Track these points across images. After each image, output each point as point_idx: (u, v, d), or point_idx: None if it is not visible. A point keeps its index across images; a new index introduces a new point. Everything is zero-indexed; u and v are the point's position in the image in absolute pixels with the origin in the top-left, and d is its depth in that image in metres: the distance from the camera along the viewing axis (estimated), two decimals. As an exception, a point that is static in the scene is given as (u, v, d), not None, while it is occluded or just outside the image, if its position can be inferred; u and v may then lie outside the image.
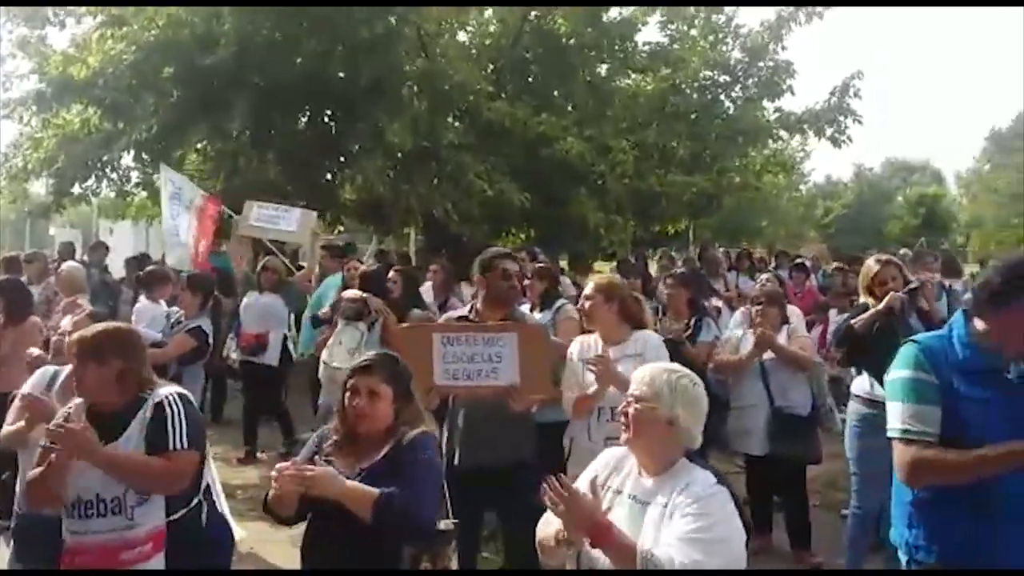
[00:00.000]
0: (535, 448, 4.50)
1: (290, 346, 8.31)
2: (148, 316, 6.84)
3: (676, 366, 2.84)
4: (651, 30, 14.67)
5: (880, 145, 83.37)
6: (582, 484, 2.72)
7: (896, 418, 2.84)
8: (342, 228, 16.63)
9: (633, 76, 15.07)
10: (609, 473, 2.82)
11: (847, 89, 13.83)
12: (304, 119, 13.55)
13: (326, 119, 13.60)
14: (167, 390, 3.28)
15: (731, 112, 14.51)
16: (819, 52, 39.95)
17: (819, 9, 13.72)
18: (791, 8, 13.82)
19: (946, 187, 61.75)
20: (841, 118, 13.79)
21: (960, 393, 2.72)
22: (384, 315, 6.19)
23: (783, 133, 14.34)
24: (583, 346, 4.58)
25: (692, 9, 14.68)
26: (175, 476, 3.14)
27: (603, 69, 14.87)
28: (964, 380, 2.74)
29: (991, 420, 2.66)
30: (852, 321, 5.26)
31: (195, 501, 3.27)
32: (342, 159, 13.41)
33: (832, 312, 7.99)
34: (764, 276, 7.39)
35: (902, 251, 11.49)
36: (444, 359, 4.22)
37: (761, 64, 14.18)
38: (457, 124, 13.14)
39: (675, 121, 13.94)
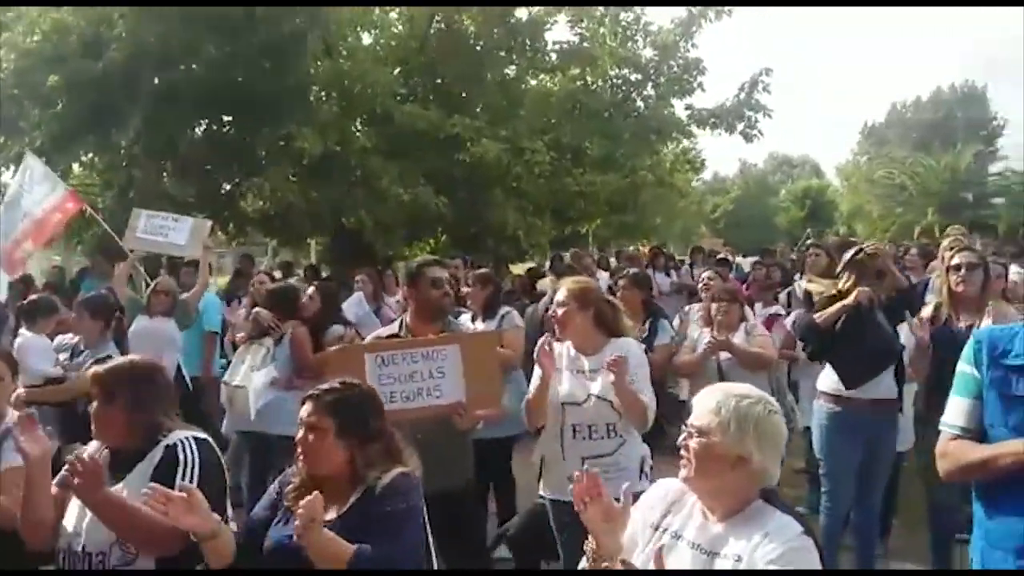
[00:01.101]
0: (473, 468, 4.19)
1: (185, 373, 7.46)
2: (36, 351, 6.03)
3: (746, 389, 2.36)
4: (560, 29, 14.49)
5: (762, 141, 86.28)
6: (636, 523, 2.37)
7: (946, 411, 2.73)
8: (243, 240, 15.79)
9: (543, 76, 14.85)
10: (665, 511, 2.38)
11: (755, 84, 13.98)
12: (203, 126, 12.76)
13: (227, 126, 12.85)
14: (184, 434, 2.80)
15: (643, 111, 14.42)
16: (726, 49, 40.96)
17: (728, 9, 13.82)
18: (701, 6, 13.88)
19: (826, 180, 64.46)
20: (751, 113, 13.91)
21: (1000, 387, 2.53)
22: (289, 330, 5.68)
23: (696, 130, 14.36)
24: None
25: (600, 8, 14.56)
26: (168, 535, 2.53)
27: (513, 70, 14.57)
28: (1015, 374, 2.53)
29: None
30: (816, 316, 5.07)
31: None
32: (245, 167, 12.67)
33: (758, 306, 7.87)
34: (706, 273, 7.16)
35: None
36: (379, 381, 3.74)
37: (672, 62, 14.16)
38: (368, 128, 12.62)
39: (588, 120, 13.77)
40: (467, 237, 13.63)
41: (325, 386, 2.78)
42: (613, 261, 13.40)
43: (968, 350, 2.67)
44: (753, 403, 2.27)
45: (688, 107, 14.39)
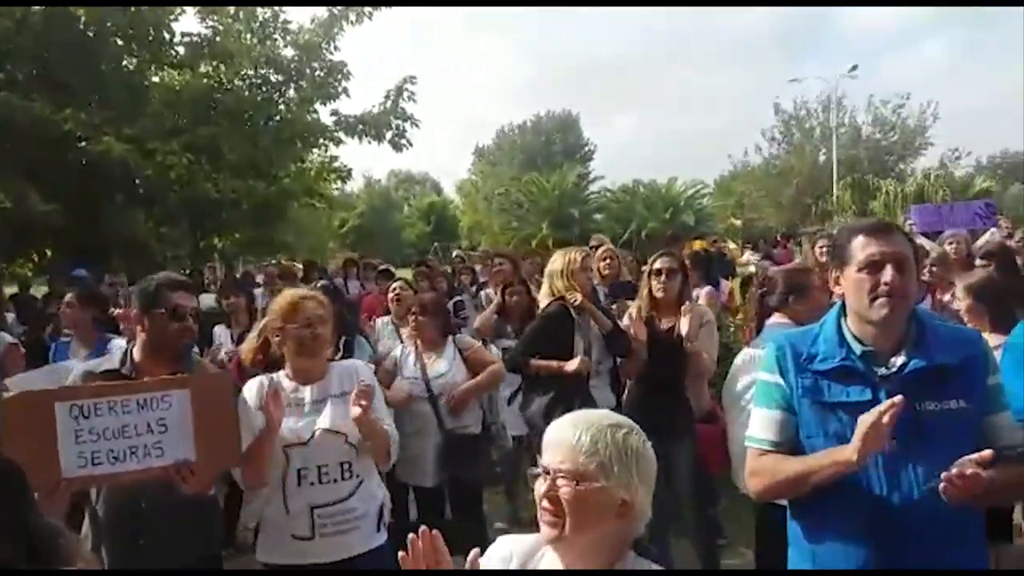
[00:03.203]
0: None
1: None
2: None
3: (612, 416, 1.85)
4: (189, 21, 13.10)
5: (383, 158, 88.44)
6: None
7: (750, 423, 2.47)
8: None
9: (170, 71, 13.30)
10: None
11: (400, 92, 13.78)
12: None
13: None
14: None
15: (286, 114, 13.51)
16: (373, 56, 40.63)
17: (368, 9, 13.44)
18: (340, 7, 13.35)
19: (447, 196, 67.72)
20: (398, 122, 13.68)
21: (813, 395, 2.31)
22: None
23: (343, 137, 13.73)
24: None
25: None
26: None
27: (134, 62, 12.83)
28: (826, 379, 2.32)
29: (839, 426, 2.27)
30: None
31: None
32: None
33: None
34: (396, 283, 6.65)
35: None
36: (76, 438, 2.68)
37: (316, 64, 13.43)
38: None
39: (226, 121, 12.56)
40: (88, 249, 11.56)
41: None
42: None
43: (769, 357, 2.42)
44: (628, 433, 1.77)
45: (334, 113, 13.76)
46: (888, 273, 2.20)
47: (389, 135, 13.66)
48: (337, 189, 17.37)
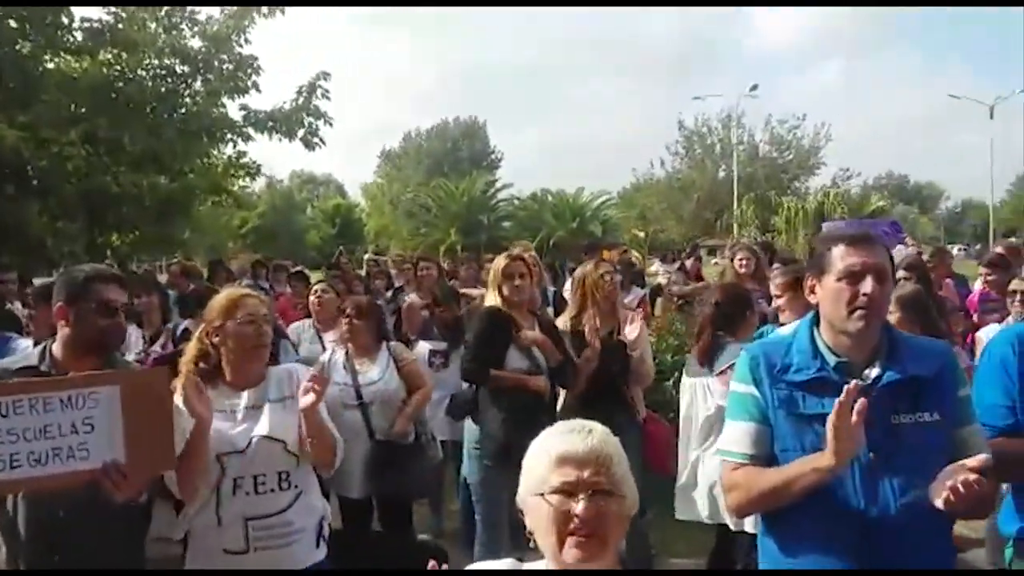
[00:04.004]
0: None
1: None
2: None
3: (598, 423, 1.74)
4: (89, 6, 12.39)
5: (284, 158, 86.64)
6: None
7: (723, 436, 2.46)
8: None
9: (67, 57, 12.56)
10: None
11: (314, 89, 13.40)
12: None
13: None
14: None
15: (192, 107, 12.93)
16: (286, 51, 39.53)
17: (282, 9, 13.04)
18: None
19: (351, 199, 66.75)
20: (311, 119, 13.30)
21: (788, 407, 2.27)
22: None
23: (252, 132, 13.24)
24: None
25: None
26: None
27: (27, 46, 12.05)
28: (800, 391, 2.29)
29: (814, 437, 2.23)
30: None
31: None
32: None
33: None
34: (318, 286, 6.41)
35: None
36: None
37: (225, 56, 12.91)
38: None
39: (128, 112, 11.94)
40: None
41: None
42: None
43: (742, 367, 2.38)
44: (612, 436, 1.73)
45: (243, 108, 13.26)
46: (868, 284, 2.18)
47: (301, 132, 13.26)
48: (245, 186, 16.77)
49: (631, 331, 4.52)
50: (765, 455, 2.28)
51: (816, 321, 2.33)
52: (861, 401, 2.02)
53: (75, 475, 2.54)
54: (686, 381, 4.51)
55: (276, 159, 57.40)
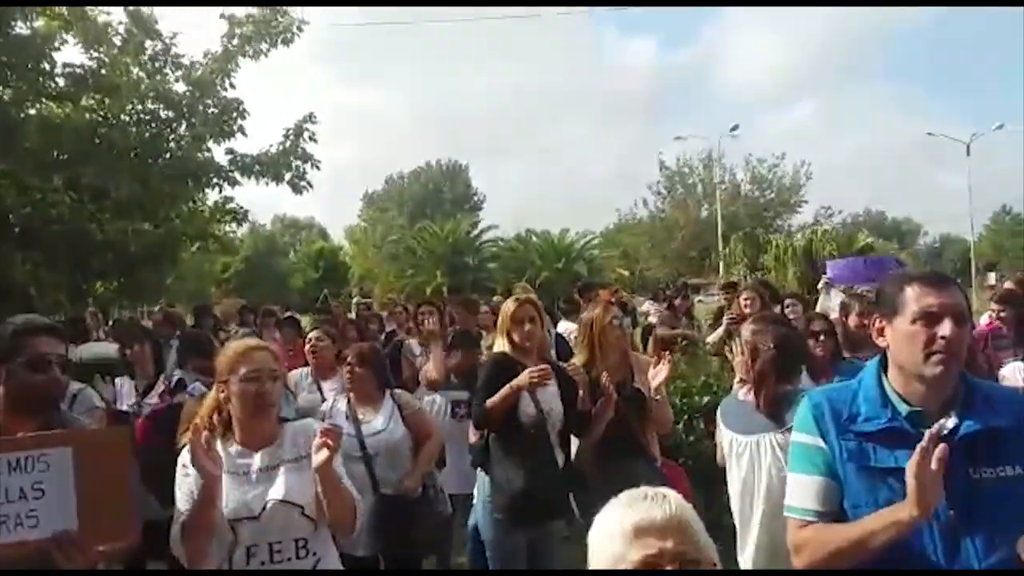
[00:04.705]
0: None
1: None
2: None
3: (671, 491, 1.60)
4: (71, 51, 12.24)
5: (266, 202, 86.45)
6: None
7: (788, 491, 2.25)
8: None
9: (48, 103, 12.39)
10: None
11: (300, 132, 13.27)
12: None
13: None
14: None
15: (177, 152, 12.75)
16: (272, 94, 39.49)
17: (264, 47, 12.95)
18: (236, 41, 12.80)
19: (335, 242, 66.50)
20: (298, 163, 13.15)
21: (859, 460, 2.10)
22: None
23: (239, 177, 13.05)
24: None
25: (118, 33, 12.60)
26: None
27: (8, 92, 11.87)
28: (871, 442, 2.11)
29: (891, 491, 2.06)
30: None
31: None
32: None
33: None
34: (312, 334, 6.14)
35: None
36: None
37: (209, 100, 12.78)
38: None
39: (113, 159, 11.74)
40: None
41: None
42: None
43: (806, 416, 2.19)
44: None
45: (229, 151, 13.09)
46: (947, 327, 2.00)
47: (288, 176, 13.10)
48: (232, 232, 16.53)
49: (657, 375, 4.31)
50: (834, 512, 2.10)
51: (884, 367, 2.16)
52: (942, 447, 1.86)
53: (23, 546, 2.32)
54: (739, 438, 3.48)
55: (257, 203, 57.12)
